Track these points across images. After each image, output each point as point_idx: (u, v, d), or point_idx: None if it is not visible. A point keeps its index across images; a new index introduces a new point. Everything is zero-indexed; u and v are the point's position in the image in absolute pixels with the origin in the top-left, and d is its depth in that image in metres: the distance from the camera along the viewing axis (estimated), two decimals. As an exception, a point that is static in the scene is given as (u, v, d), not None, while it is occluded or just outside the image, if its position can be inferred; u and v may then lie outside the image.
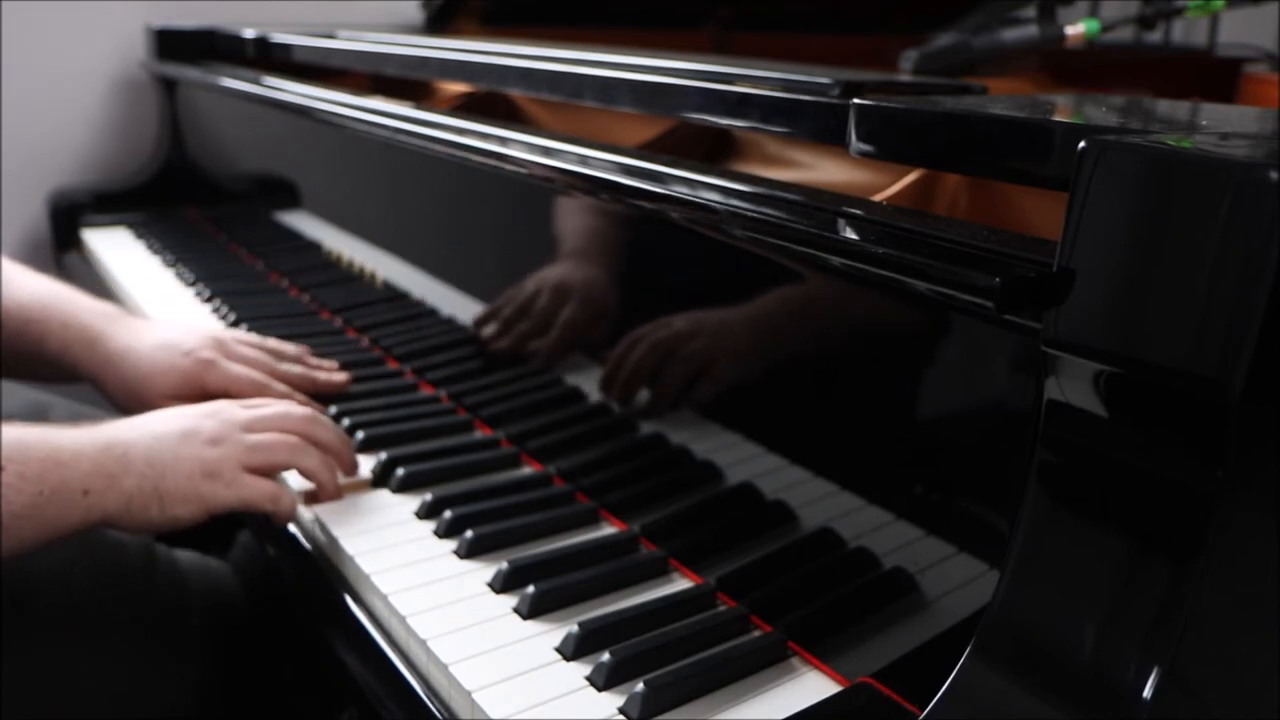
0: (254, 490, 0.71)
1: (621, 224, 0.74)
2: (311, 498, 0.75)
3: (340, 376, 0.93)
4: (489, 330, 0.89)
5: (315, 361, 0.95)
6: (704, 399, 0.67)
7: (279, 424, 0.75)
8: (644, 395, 0.72)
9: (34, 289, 0.94)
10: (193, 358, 0.87)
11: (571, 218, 0.79)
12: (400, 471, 0.77)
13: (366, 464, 0.80)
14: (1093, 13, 1.19)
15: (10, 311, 0.92)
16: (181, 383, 0.86)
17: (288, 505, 0.73)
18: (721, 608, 0.63)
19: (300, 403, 0.85)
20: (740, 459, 0.65)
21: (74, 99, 1.68)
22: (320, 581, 0.69)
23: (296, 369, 0.91)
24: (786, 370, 0.62)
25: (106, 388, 0.90)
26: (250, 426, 0.74)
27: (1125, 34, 1.21)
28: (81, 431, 0.69)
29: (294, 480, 0.76)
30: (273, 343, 0.95)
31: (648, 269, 0.73)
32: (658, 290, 0.71)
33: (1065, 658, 0.41)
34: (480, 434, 0.86)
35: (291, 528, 0.74)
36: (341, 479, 0.76)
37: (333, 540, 0.70)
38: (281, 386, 0.88)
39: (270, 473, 0.74)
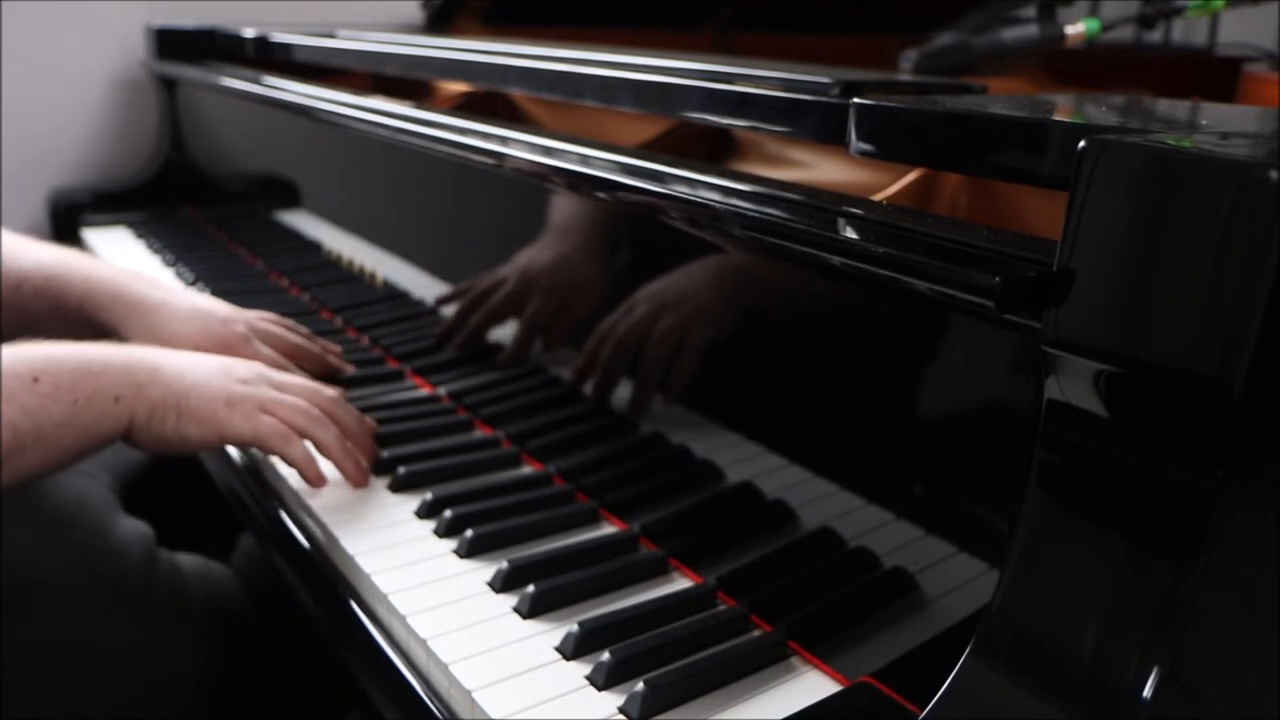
0: (268, 427, 0.74)
1: (622, 223, 0.74)
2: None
3: (347, 367, 0.97)
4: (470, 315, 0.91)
5: (323, 343, 0.99)
6: (702, 399, 0.67)
7: (306, 395, 0.78)
8: (642, 391, 0.73)
9: (50, 250, 0.98)
10: (229, 328, 0.90)
11: (571, 216, 0.79)
12: (400, 471, 0.77)
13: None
14: (1093, 13, 1.19)
15: (28, 271, 0.94)
16: (215, 347, 0.89)
17: (299, 449, 0.74)
18: (721, 607, 0.63)
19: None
20: (740, 459, 0.65)
21: (74, 99, 1.68)
22: (320, 581, 0.69)
23: (314, 349, 0.96)
24: (786, 370, 0.62)
25: (133, 337, 0.92)
26: (280, 386, 0.77)
27: (1125, 34, 1.21)
28: (109, 345, 0.73)
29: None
30: (287, 322, 0.99)
31: (650, 267, 0.73)
32: (656, 288, 0.71)
33: (1065, 657, 0.41)
34: (480, 433, 0.86)
35: (292, 528, 0.74)
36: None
37: (333, 540, 0.70)
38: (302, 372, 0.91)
39: None
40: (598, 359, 0.76)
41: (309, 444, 0.75)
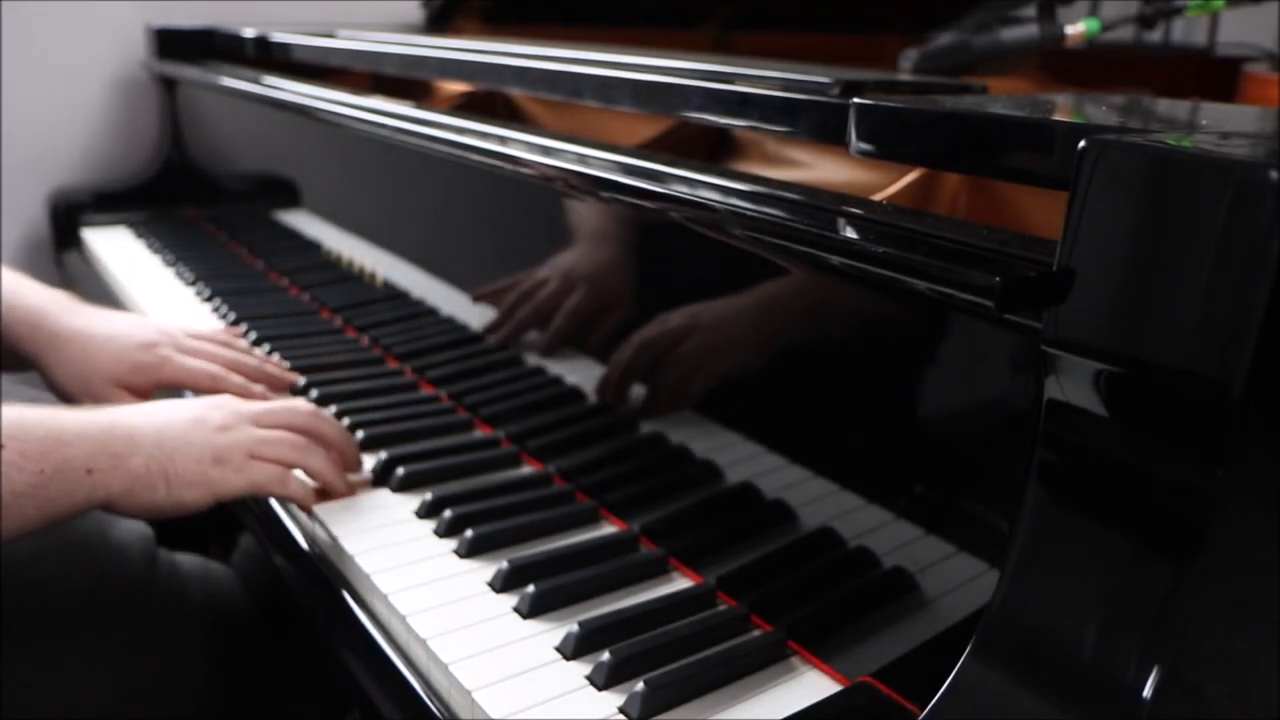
0: (262, 473, 0.72)
1: (620, 223, 0.74)
2: (322, 495, 0.75)
3: (291, 376, 0.95)
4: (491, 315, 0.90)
5: (262, 357, 0.97)
6: (702, 399, 0.67)
7: (285, 418, 0.75)
8: (643, 393, 0.72)
9: None
10: (149, 351, 0.89)
11: (570, 217, 0.79)
12: (400, 471, 0.77)
13: (367, 463, 0.80)
14: (1093, 12, 1.19)
15: None
16: (132, 372, 0.88)
17: (296, 487, 0.73)
18: (721, 607, 0.63)
19: (259, 396, 0.88)
20: (740, 459, 0.65)
21: (74, 99, 1.68)
22: (321, 582, 0.69)
23: (251, 360, 0.93)
24: (786, 370, 0.62)
25: (50, 369, 0.90)
26: (257, 420, 0.74)
27: (1125, 34, 1.21)
28: (84, 412, 0.69)
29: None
30: (224, 335, 0.97)
31: (649, 267, 0.73)
32: (658, 288, 0.71)
33: (1065, 657, 0.41)
34: (480, 433, 0.86)
35: (292, 528, 0.74)
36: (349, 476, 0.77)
37: (333, 540, 0.70)
38: (237, 379, 0.90)
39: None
40: (614, 369, 0.76)
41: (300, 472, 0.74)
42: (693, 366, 0.68)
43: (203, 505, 0.70)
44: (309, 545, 0.73)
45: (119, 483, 0.67)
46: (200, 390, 0.88)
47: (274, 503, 0.77)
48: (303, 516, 0.74)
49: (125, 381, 0.88)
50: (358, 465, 0.78)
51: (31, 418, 0.65)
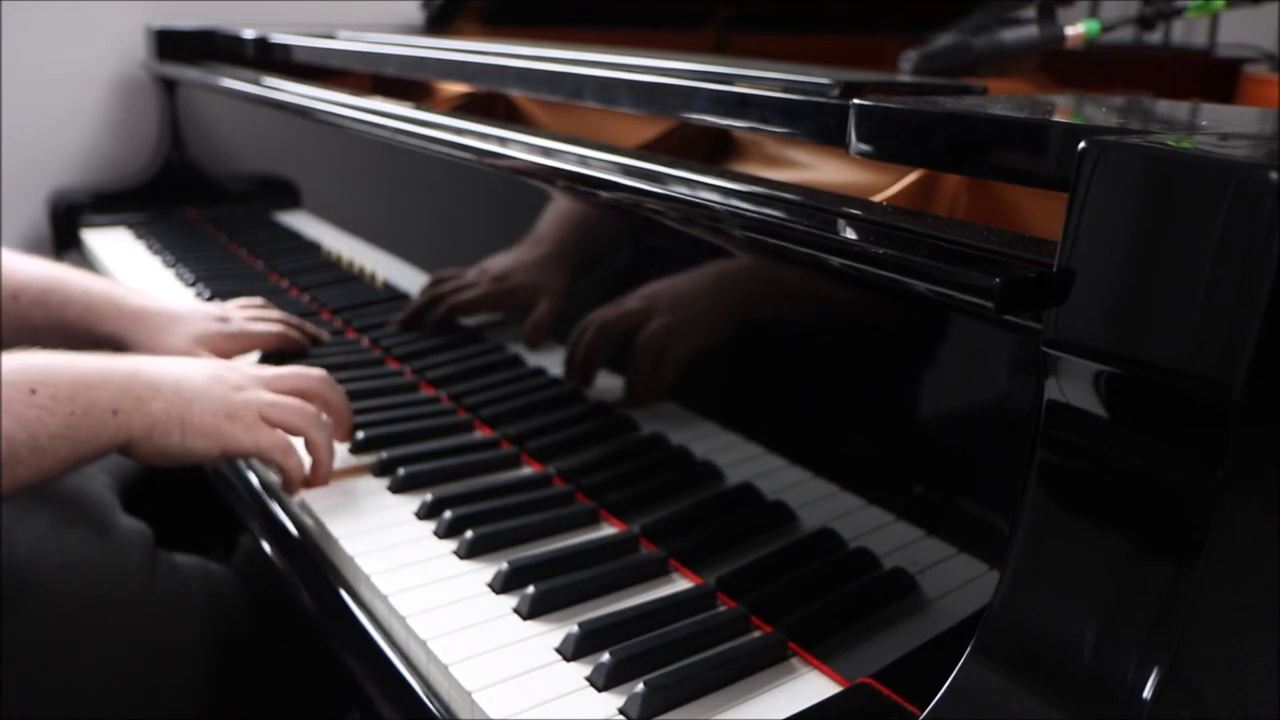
0: (269, 439, 0.74)
1: (620, 223, 0.74)
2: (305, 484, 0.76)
3: (321, 332, 1.06)
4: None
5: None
6: (702, 399, 0.67)
7: (295, 383, 0.79)
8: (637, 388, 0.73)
9: (44, 265, 1.02)
10: (225, 322, 0.98)
11: (569, 215, 0.79)
12: (400, 472, 0.77)
13: (367, 464, 0.80)
14: (1093, 13, 1.20)
15: (23, 284, 0.97)
16: (219, 338, 0.97)
17: (295, 463, 0.75)
18: (721, 608, 0.63)
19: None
20: (740, 459, 0.65)
21: (74, 99, 1.68)
22: (321, 582, 0.69)
23: (293, 319, 1.05)
24: (786, 371, 0.62)
25: (138, 340, 0.97)
26: (269, 384, 0.78)
27: (1125, 34, 1.22)
28: (105, 357, 0.73)
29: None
30: (258, 301, 1.08)
31: (648, 267, 0.73)
32: (655, 289, 0.71)
33: (1065, 658, 0.41)
34: (480, 434, 0.86)
35: (291, 528, 0.74)
36: (339, 463, 0.79)
37: (333, 541, 0.70)
38: (296, 334, 1.01)
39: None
40: (592, 356, 0.76)
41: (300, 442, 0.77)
42: (691, 366, 0.68)
43: (211, 457, 0.73)
44: (309, 546, 0.72)
45: (140, 425, 0.70)
46: (269, 349, 0.99)
47: (273, 504, 0.77)
48: (304, 517, 0.74)
49: (214, 346, 0.95)
50: (350, 434, 0.81)
51: (57, 363, 0.69)
